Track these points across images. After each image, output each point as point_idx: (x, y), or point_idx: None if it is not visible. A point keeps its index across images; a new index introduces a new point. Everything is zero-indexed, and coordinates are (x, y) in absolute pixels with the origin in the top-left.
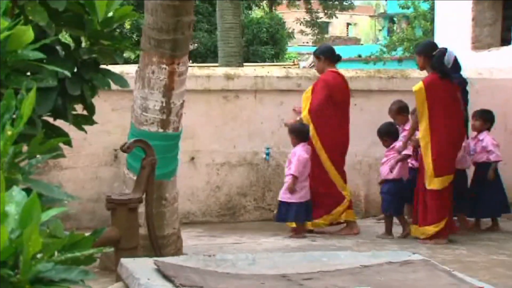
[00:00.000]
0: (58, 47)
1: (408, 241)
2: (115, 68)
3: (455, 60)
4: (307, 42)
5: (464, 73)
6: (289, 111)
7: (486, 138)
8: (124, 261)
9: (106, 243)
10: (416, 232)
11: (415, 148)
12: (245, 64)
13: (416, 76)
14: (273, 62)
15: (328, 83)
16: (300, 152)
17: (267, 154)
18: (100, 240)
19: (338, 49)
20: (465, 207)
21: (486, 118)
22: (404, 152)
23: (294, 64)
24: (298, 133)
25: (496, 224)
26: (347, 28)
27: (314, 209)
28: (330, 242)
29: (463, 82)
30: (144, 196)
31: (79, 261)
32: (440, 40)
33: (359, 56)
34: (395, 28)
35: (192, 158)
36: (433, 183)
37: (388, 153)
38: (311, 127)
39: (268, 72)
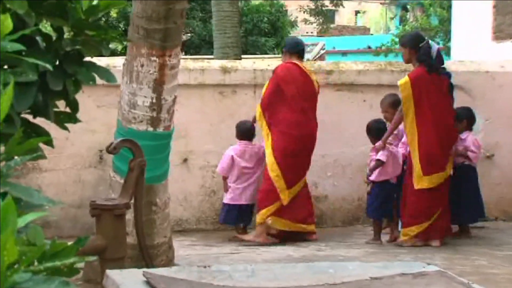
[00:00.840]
0: (38, 38)
1: (422, 250)
2: (101, 61)
3: (438, 52)
4: (312, 32)
5: (485, 65)
6: None
7: (469, 138)
8: (110, 272)
9: (91, 252)
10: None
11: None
12: (243, 56)
13: None
14: (274, 54)
15: (276, 75)
16: (228, 150)
17: None
18: (84, 250)
19: (346, 40)
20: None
21: (469, 116)
22: (379, 157)
23: None
24: (237, 130)
25: (467, 231)
26: (355, 17)
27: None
28: (337, 252)
29: (449, 77)
30: (132, 201)
31: (60, 272)
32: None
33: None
34: (408, 16)
35: (185, 160)
36: (421, 182)
37: (372, 153)
38: (263, 124)
39: (268, 65)
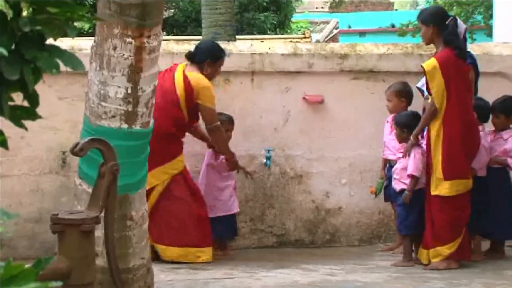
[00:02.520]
0: None
1: (456, 274)
2: (64, 43)
3: (465, 34)
4: (322, 8)
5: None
6: (297, 100)
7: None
8: None
9: (52, 277)
10: (422, 256)
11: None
12: (238, 37)
13: (474, 53)
14: (276, 33)
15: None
16: None
17: (268, 158)
18: (45, 274)
19: (364, 17)
20: (479, 225)
21: (508, 109)
22: (412, 172)
23: (305, 37)
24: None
25: (501, 250)
26: None
27: None
28: (353, 276)
29: (475, 63)
30: (102, 215)
31: None
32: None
33: (392, 26)
34: None
35: None
36: (440, 188)
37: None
38: None
39: (269, 48)
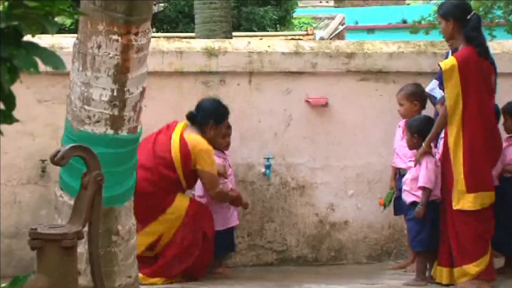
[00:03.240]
0: None
1: None
2: (43, 41)
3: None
4: (326, 2)
5: None
6: (299, 103)
7: None
8: None
9: None
10: (441, 275)
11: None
12: (235, 33)
13: (493, 52)
14: (277, 30)
15: None
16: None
17: (268, 167)
18: None
19: (372, 12)
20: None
21: None
22: (424, 184)
23: (308, 34)
24: None
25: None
26: None
27: None
28: None
29: (493, 64)
30: (85, 229)
31: None
32: None
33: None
34: None
35: None
36: (463, 202)
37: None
38: None
39: (269, 46)
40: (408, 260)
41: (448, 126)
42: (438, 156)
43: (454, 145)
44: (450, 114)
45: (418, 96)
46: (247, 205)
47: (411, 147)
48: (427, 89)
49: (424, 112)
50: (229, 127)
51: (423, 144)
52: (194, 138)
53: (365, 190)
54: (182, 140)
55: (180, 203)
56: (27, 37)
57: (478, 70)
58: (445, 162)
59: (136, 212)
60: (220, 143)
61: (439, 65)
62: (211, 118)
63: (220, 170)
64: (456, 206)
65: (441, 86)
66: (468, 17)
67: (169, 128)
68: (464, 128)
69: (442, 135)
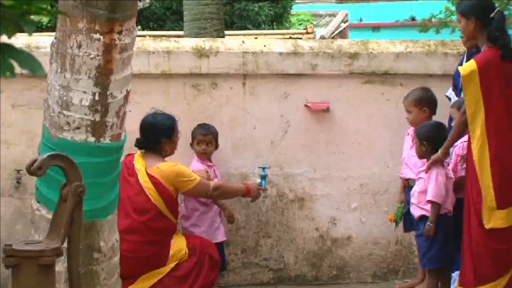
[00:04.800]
0: None
1: None
2: (18, 40)
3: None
4: None
5: None
6: (298, 108)
7: None
8: None
9: None
10: None
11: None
12: (227, 32)
13: None
14: (273, 28)
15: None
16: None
17: (263, 177)
18: None
19: (378, 8)
20: None
21: None
22: (432, 198)
23: (307, 32)
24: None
25: None
26: None
27: None
28: None
29: None
30: (65, 245)
31: None
32: None
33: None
34: None
35: None
36: (494, 219)
37: (419, 174)
38: None
39: (264, 46)
40: (417, 279)
41: (470, 135)
42: (450, 166)
43: (479, 156)
44: (471, 122)
45: (426, 102)
46: (233, 218)
47: (420, 156)
48: (447, 93)
49: (435, 118)
50: (211, 134)
51: (439, 152)
52: (161, 170)
53: (369, 203)
54: (152, 179)
55: (178, 247)
56: (3, 38)
57: (500, 74)
58: (468, 175)
59: (134, 275)
60: (197, 151)
61: (457, 69)
62: (161, 136)
63: (203, 176)
64: (488, 225)
65: (455, 89)
66: (492, 15)
67: (130, 170)
68: (489, 138)
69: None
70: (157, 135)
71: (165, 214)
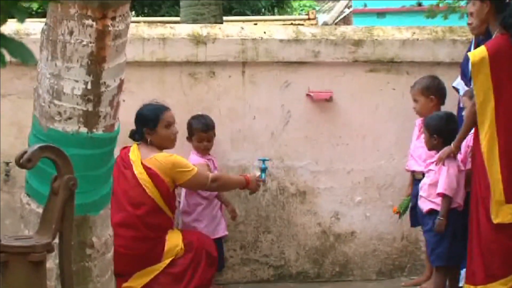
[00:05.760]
0: None
1: None
2: (7, 27)
3: None
4: None
5: None
6: (300, 97)
7: None
8: None
9: None
10: None
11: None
12: (226, 18)
13: None
14: (274, 14)
15: None
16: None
17: (263, 170)
18: None
19: None
20: None
21: None
22: (443, 190)
23: (309, 18)
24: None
25: None
26: None
27: None
28: None
29: None
30: (56, 241)
31: None
32: None
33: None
34: None
35: None
36: (503, 214)
37: (429, 166)
38: None
39: (264, 32)
40: (423, 276)
41: (479, 127)
42: (460, 158)
43: (488, 149)
44: (480, 113)
45: (434, 90)
46: (235, 213)
47: (431, 148)
48: (454, 83)
49: (443, 108)
50: (209, 128)
51: (452, 145)
52: (156, 160)
53: (374, 197)
54: (148, 170)
55: (174, 242)
56: None
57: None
58: (475, 169)
59: (128, 272)
60: (197, 146)
61: (467, 55)
62: (142, 126)
63: (205, 170)
64: (495, 219)
65: (463, 77)
66: (507, 0)
67: (125, 163)
68: (498, 129)
69: None
70: (139, 125)
71: (161, 207)
